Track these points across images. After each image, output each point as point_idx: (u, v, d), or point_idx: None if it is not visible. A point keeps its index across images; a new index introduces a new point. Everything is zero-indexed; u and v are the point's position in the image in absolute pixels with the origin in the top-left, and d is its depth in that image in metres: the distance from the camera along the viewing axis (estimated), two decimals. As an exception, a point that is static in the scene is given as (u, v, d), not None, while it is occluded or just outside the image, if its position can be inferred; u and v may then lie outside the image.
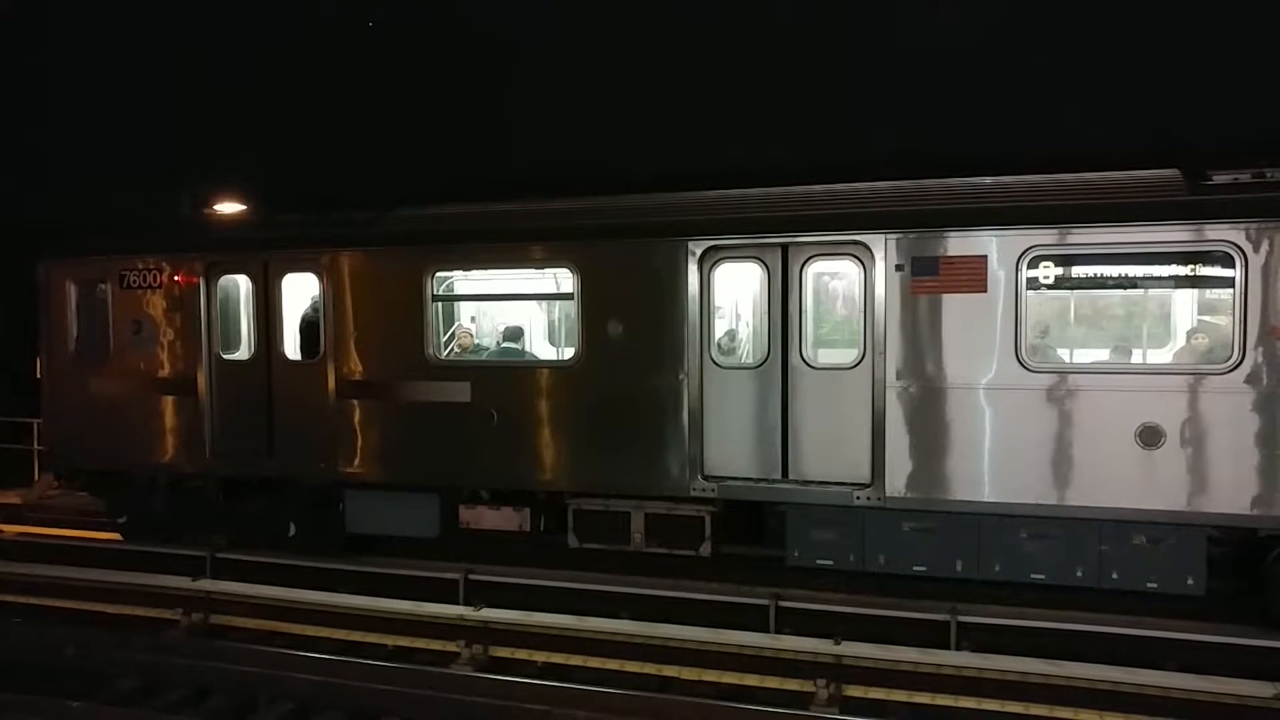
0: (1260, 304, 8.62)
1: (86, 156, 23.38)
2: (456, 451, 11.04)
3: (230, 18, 22.99)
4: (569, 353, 10.98)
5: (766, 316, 10.15)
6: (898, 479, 9.61)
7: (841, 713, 8.01)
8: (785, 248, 10.02)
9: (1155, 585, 9.21)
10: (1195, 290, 9.56)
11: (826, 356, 10.24)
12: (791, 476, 10.06)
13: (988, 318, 9.31)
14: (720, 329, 10.63)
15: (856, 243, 9.73)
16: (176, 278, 12.06)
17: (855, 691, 8.25)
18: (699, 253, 10.17)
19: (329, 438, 11.51)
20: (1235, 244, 8.67)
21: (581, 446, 10.69)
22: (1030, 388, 9.21)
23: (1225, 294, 8.90)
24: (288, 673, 8.52)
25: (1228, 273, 8.75)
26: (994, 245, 9.29)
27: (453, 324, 11.86)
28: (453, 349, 11.63)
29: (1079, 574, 9.37)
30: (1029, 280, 9.22)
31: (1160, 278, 9.28)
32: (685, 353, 10.20)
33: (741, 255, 10.20)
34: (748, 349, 10.79)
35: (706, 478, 10.26)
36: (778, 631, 9.36)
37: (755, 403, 10.13)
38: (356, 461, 11.49)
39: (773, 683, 8.48)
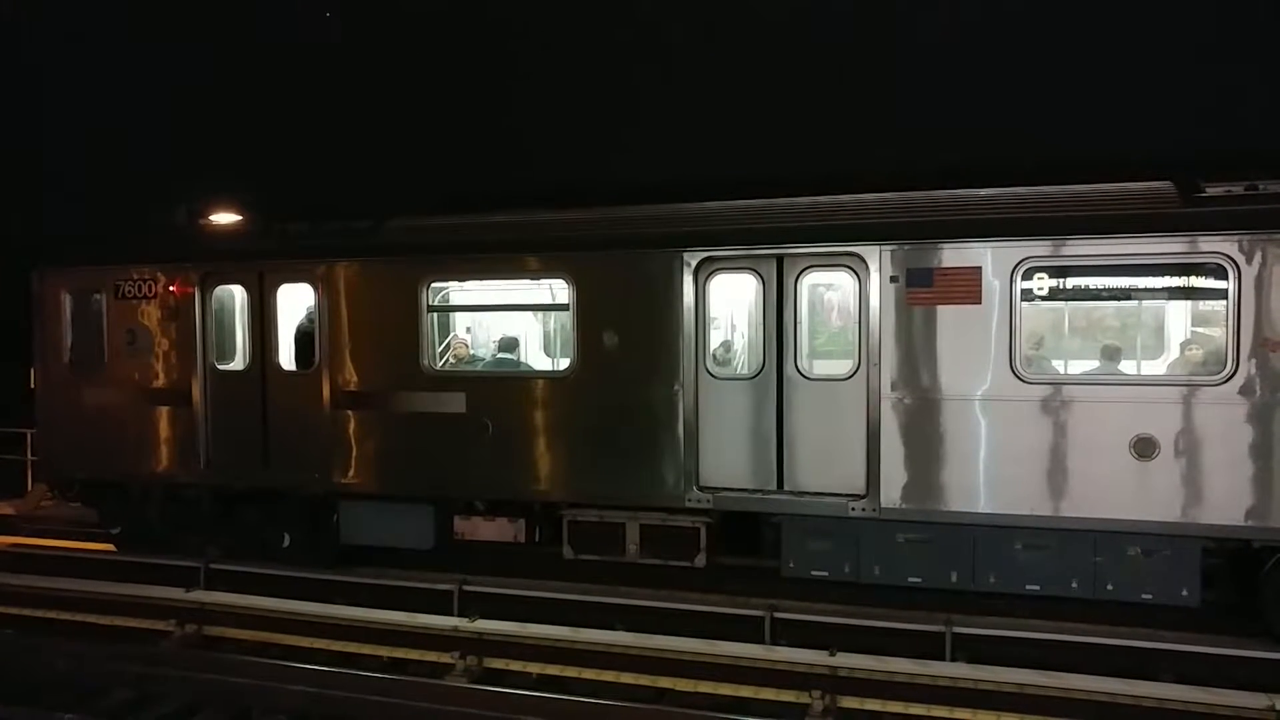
0: (1253, 315, 8.64)
1: (82, 166, 23.38)
2: (451, 462, 11.02)
3: (229, 25, 23.02)
4: (564, 363, 10.98)
5: (762, 328, 10.17)
6: (893, 490, 9.61)
7: (836, 724, 8.03)
8: (780, 259, 10.04)
9: (1150, 596, 9.21)
10: (1189, 302, 9.58)
11: (821, 368, 10.25)
12: (787, 488, 10.05)
13: (982, 329, 9.33)
14: (715, 340, 10.63)
15: (851, 254, 9.76)
16: (171, 288, 12.06)
17: (850, 703, 8.25)
18: (694, 264, 10.18)
19: (324, 448, 11.49)
20: (1228, 256, 8.70)
21: (576, 457, 10.68)
22: (1025, 399, 9.23)
23: (1219, 305, 8.93)
24: (282, 684, 8.49)
25: (1221, 284, 8.78)
26: (988, 257, 9.32)
27: (448, 335, 11.87)
28: (448, 360, 11.63)
29: (1074, 585, 9.37)
30: (1023, 292, 9.24)
31: (1154, 289, 9.31)
32: (680, 363, 10.21)
33: (737, 266, 10.22)
34: (743, 360, 10.80)
35: (701, 489, 10.25)
36: (773, 643, 9.35)
37: (750, 414, 10.14)
38: (351, 472, 11.47)
39: (768, 694, 8.47)
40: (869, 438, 9.68)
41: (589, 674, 9.05)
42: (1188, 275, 9.05)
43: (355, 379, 11.39)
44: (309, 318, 11.76)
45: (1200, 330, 9.62)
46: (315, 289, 11.55)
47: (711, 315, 10.46)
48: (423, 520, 11.46)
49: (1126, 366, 9.62)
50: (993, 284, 9.29)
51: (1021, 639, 9.18)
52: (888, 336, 9.58)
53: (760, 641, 9.36)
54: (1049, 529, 9.30)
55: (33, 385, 13.03)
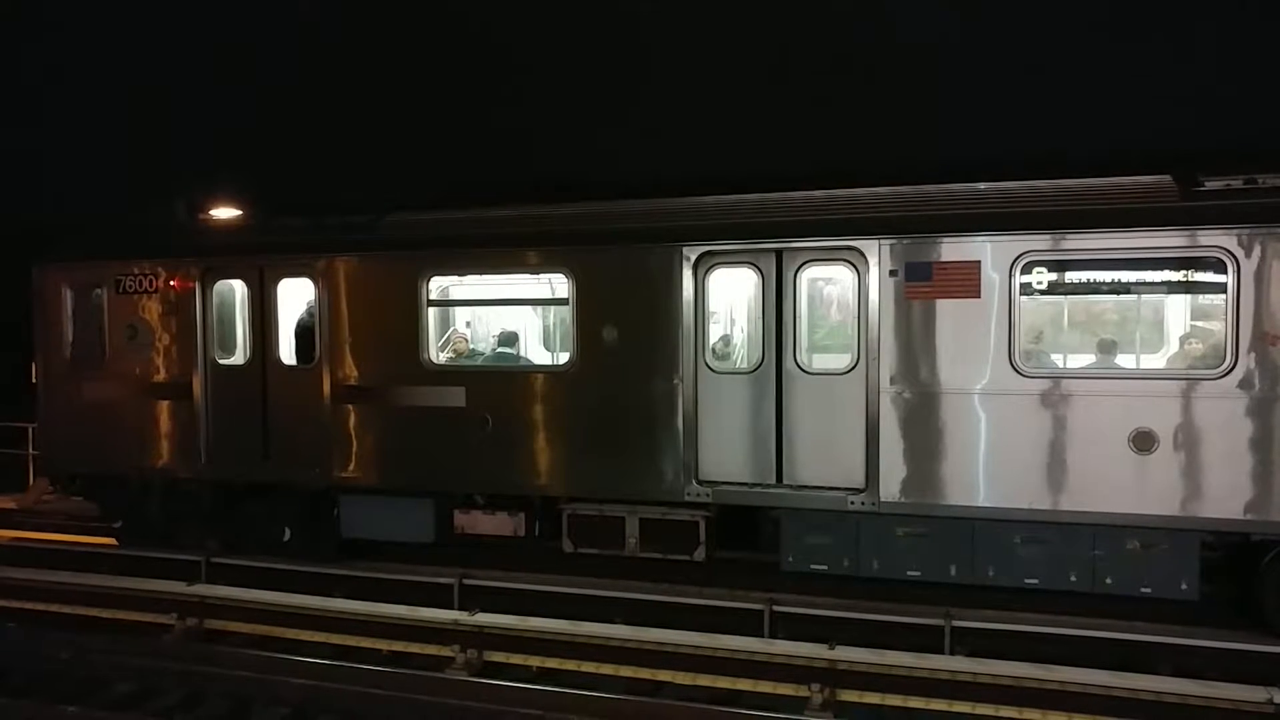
0: (1252, 309, 8.64)
1: (83, 160, 23.40)
2: (451, 456, 11.04)
3: (228, 22, 23.02)
4: (564, 358, 10.98)
5: (761, 322, 10.17)
6: (892, 484, 9.62)
7: (836, 717, 8.04)
8: (780, 253, 10.04)
9: (1149, 590, 9.22)
10: (1188, 296, 9.58)
11: (821, 361, 10.26)
12: (786, 481, 10.06)
13: (981, 323, 9.33)
14: (715, 334, 10.63)
15: (851, 248, 9.76)
16: (172, 282, 12.07)
17: (849, 696, 8.27)
18: (694, 258, 10.19)
19: (324, 442, 11.51)
20: (1227, 250, 8.70)
21: (576, 451, 10.69)
22: (1024, 393, 9.23)
23: (1218, 299, 8.92)
24: (282, 677, 8.54)
25: (1220, 278, 8.78)
26: (988, 250, 9.32)
27: (448, 329, 11.88)
28: (448, 354, 11.63)
29: (1073, 579, 9.37)
30: (1022, 286, 9.25)
31: (1153, 283, 9.28)
32: (680, 358, 10.22)
33: (736, 260, 10.22)
34: (742, 354, 10.81)
35: (701, 483, 10.27)
36: (772, 636, 9.37)
37: (750, 407, 10.14)
38: (351, 466, 11.49)
39: (767, 687, 8.49)
40: (868, 432, 9.68)
41: (588, 667, 9.09)
42: (1187, 269, 9.03)
43: (355, 373, 11.40)
44: (309, 312, 11.77)
45: (1199, 324, 9.61)
46: (315, 284, 11.56)
47: (711, 309, 10.45)
48: (423, 514, 11.47)
49: (1125, 360, 9.61)
50: (992, 278, 9.29)
51: (1020, 632, 9.19)
52: (886, 330, 9.58)
53: (759, 635, 9.38)
54: (1048, 523, 9.31)
55: (34, 380, 13.05)
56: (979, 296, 9.33)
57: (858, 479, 9.77)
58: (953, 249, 9.42)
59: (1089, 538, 9.27)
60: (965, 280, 9.36)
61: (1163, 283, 9.27)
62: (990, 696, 8.00)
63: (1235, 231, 8.69)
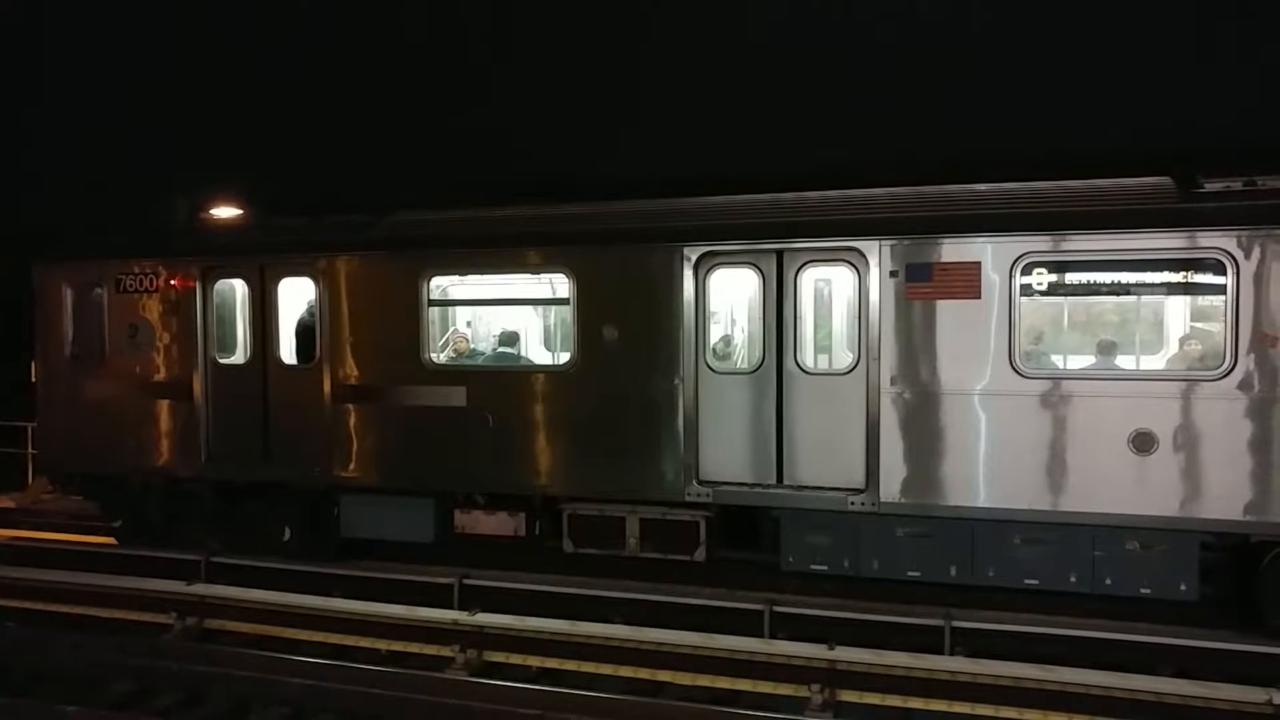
0: (1252, 311, 8.66)
1: (84, 159, 23.39)
2: (452, 456, 11.04)
3: (228, 21, 23.02)
4: (564, 358, 10.99)
5: (762, 322, 10.18)
6: (892, 484, 9.63)
7: (836, 717, 8.04)
8: (780, 254, 10.05)
9: (1148, 591, 9.23)
10: (1188, 297, 9.60)
11: (821, 362, 10.27)
12: (786, 482, 10.07)
13: (982, 324, 9.34)
14: (715, 334, 10.64)
15: (851, 249, 9.77)
16: (173, 282, 12.07)
17: (849, 696, 8.27)
18: (694, 258, 10.19)
19: (324, 442, 11.51)
20: (1227, 251, 8.71)
21: (577, 451, 10.70)
22: (1024, 394, 9.24)
23: (1217, 301, 8.94)
24: (282, 677, 8.52)
25: (1219, 280, 8.80)
26: (988, 251, 9.33)
27: (448, 329, 11.88)
28: (448, 354, 11.64)
29: (1072, 579, 9.39)
30: (1023, 287, 9.26)
31: (1153, 285, 9.29)
32: (680, 358, 10.22)
33: (737, 261, 10.23)
34: (743, 354, 10.82)
35: (701, 483, 10.28)
36: (772, 636, 9.36)
37: (750, 408, 10.15)
38: (352, 466, 11.49)
39: (766, 688, 8.48)
40: (868, 432, 9.69)
41: (588, 667, 9.08)
42: (1187, 270, 9.05)
43: (356, 373, 11.41)
44: (310, 312, 11.78)
45: (1199, 325, 9.63)
46: (316, 283, 11.56)
47: (712, 310, 10.47)
48: (423, 514, 11.48)
49: (1125, 361, 9.62)
50: (992, 279, 9.30)
51: (1020, 633, 9.19)
52: (887, 331, 9.59)
53: (759, 635, 9.36)
54: (1048, 523, 9.32)
55: (34, 378, 13.05)
56: (979, 297, 9.34)
57: (858, 479, 9.78)
58: (953, 250, 9.43)
59: (1089, 538, 9.29)
60: (966, 281, 9.37)
61: (1162, 284, 9.28)
62: (990, 696, 7.99)
63: (1235, 233, 8.70)
